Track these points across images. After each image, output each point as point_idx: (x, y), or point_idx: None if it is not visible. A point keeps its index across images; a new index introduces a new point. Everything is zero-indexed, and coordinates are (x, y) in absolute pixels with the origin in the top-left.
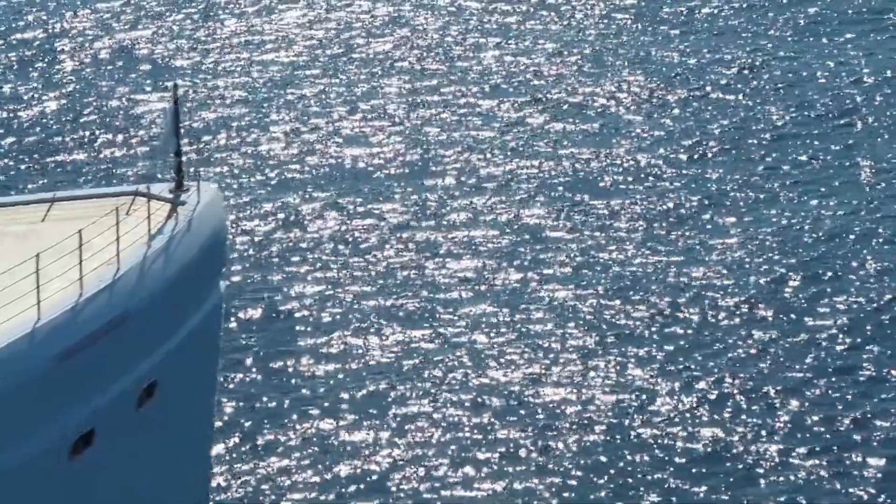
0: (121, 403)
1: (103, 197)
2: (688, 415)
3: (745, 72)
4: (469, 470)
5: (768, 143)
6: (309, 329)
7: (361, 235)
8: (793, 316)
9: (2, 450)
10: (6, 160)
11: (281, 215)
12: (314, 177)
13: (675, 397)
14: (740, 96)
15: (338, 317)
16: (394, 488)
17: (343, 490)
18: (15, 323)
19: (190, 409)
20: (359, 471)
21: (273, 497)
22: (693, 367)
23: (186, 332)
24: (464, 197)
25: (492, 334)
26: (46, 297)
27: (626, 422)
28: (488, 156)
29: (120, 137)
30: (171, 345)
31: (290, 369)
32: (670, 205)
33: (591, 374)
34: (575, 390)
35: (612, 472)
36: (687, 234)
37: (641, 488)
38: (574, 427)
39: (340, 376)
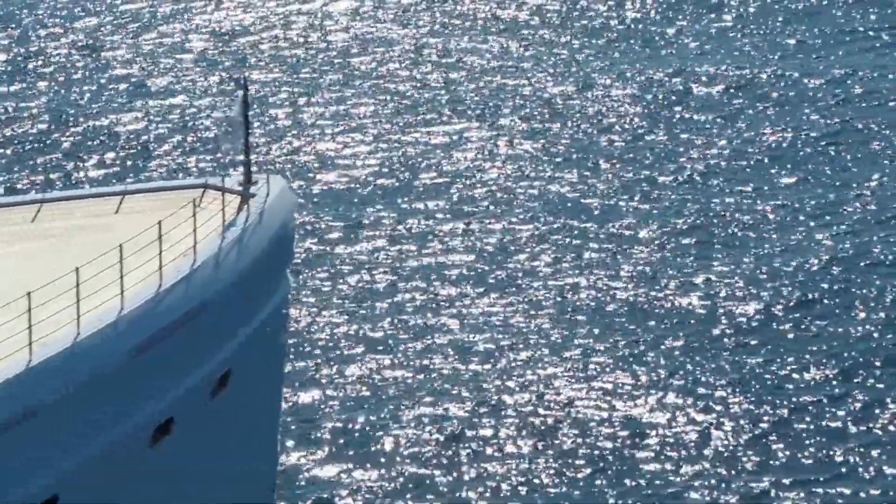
0: (197, 392)
1: (173, 190)
2: (710, 423)
3: (764, 87)
4: (521, 474)
5: (775, 159)
6: (361, 325)
7: (416, 231)
8: (802, 326)
9: (87, 437)
10: (77, 153)
11: (342, 208)
12: (376, 173)
13: (698, 402)
14: (767, 110)
15: (389, 311)
16: (440, 487)
17: (385, 484)
18: (99, 313)
19: (260, 398)
20: (403, 468)
21: (322, 489)
22: (714, 373)
23: (258, 322)
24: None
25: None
26: (128, 287)
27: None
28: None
29: (187, 130)
30: (243, 335)
31: (340, 363)
32: (687, 212)
33: (626, 384)
34: (609, 398)
35: (645, 478)
36: (702, 245)
37: (669, 491)
38: (613, 435)
39: (389, 372)
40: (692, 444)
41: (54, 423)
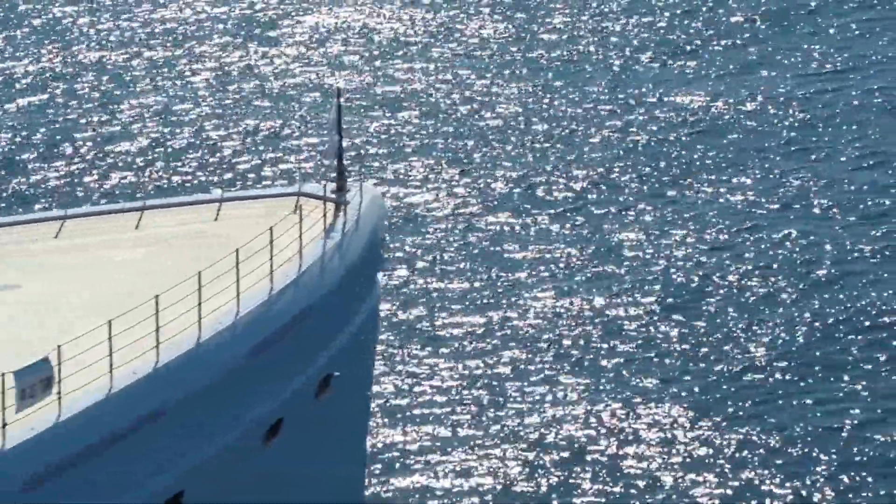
0: (304, 394)
1: (268, 198)
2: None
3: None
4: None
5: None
6: (449, 328)
7: (505, 235)
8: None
9: (209, 436)
10: (173, 162)
11: (431, 215)
12: (469, 180)
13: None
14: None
15: (475, 315)
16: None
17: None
18: (217, 315)
19: (355, 400)
20: (484, 469)
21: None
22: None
23: (355, 326)
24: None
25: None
26: (242, 291)
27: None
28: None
29: (279, 139)
30: (342, 339)
31: (420, 366)
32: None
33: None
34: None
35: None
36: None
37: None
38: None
39: (469, 374)
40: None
41: (180, 421)
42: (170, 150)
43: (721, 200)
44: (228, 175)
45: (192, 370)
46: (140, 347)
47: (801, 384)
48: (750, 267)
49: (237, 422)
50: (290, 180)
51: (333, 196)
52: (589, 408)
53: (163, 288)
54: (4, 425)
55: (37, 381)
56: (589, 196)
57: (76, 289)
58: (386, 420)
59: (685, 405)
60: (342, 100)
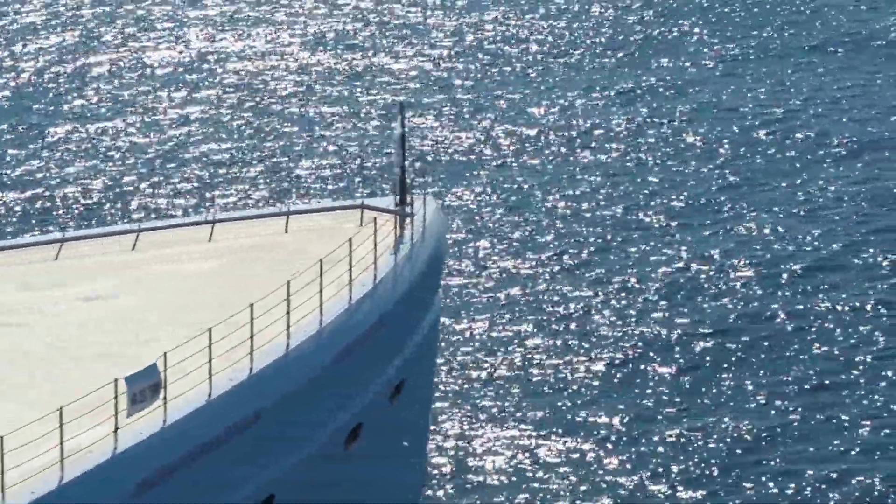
0: (379, 399)
1: (333, 210)
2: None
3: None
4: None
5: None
6: (503, 340)
7: (562, 246)
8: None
9: (298, 440)
10: (242, 174)
11: (486, 229)
12: (525, 193)
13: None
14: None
15: (530, 327)
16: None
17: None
18: (303, 324)
19: (420, 405)
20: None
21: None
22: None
23: (421, 335)
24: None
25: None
26: (324, 300)
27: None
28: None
29: (341, 153)
30: (411, 346)
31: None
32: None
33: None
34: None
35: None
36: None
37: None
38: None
39: (526, 382)
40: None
41: (273, 427)
42: (235, 164)
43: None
44: (292, 188)
45: (283, 377)
46: (235, 355)
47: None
48: (799, 271)
49: (323, 427)
50: (350, 193)
51: (397, 209)
52: (646, 418)
53: (246, 298)
54: (117, 429)
55: (146, 386)
56: (653, 209)
57: (163, 299)
58: (442, 425)
59: (756, 417)
60: (406, 115)
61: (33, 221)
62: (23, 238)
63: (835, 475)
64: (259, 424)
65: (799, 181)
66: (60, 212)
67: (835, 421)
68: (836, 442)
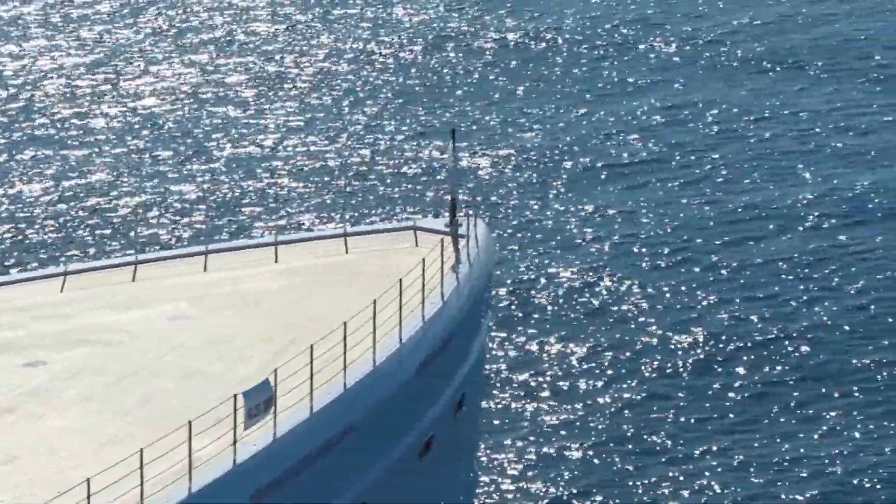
0: (447, 412)
1: (387, 232)
2: None
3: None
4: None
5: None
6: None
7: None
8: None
9: (383, 450)
10: (300, 197)
11: (529, 251)
12: (574, 210)
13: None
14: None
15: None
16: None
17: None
18: (385, 341)
19: (473, 417)
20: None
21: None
22: None
23: (476, 350)
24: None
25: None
26: (402, 318)
27: None
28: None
29: (390, 174)
30: (469, 362)
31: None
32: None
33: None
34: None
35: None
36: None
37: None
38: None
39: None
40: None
41: (364, 438)
42: (293, 186)
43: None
44: (344, 209)
45: (371, 392)
46: (328, 371)
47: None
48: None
49: (404, 439)
50: (388, 213)
51: (445, 230)
52: (695, 429)
53: (320, 316)
54: (235, 442)
55: (261, 401)
56: (703, 224)
57: (242, 318)
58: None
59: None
60: (455, 140)
61: (106, 244)
62: (98, 261)
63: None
64: (352, 436)
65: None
66: (131, 234)
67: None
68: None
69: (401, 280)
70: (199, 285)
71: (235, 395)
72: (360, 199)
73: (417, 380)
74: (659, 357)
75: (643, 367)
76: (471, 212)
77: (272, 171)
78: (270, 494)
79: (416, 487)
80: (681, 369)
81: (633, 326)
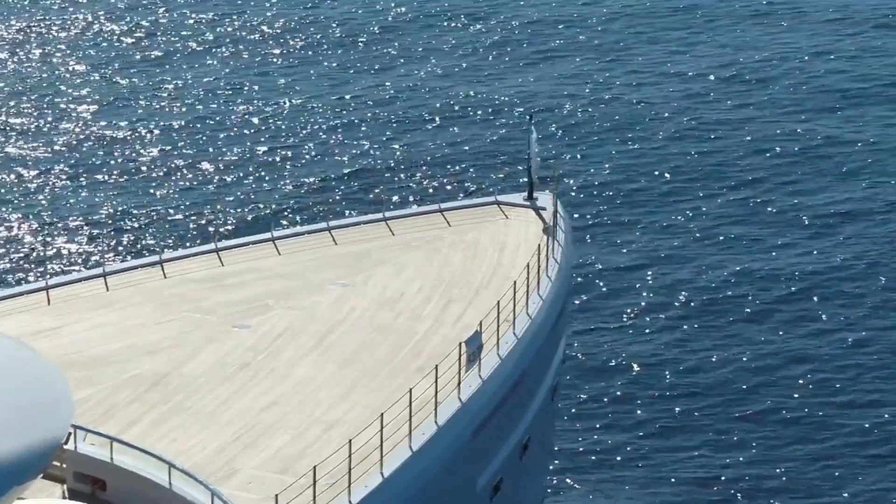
0: (545, 406)
1: (474, 207)
2: None
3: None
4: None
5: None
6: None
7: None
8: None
9: (497, 444)
10: (385, 178)
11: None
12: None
13: None
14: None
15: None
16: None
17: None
18: (526, 307)
19: (553, 411)
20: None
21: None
22: None
23: (562, 333)
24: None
25: None
26: (530, 286)
27: None
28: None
29: (473, 154)
30: (562, 346)
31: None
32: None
33: None
34: None
35: None
36: None
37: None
38: None
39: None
40: None
41: (529, 381)
42: (392, 164)
43: None
44: (430, 186)
45: (536, 339)
46: (505, 326)
47: None
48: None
49: (513, 433)
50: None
51: (527, 203)
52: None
53: (458, 286)
54: (460, 384)
55: (475, 348)
56: (774, 214)
57: (401, 285)
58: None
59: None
60: (534, 124)
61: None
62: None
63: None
64: (527, 380)
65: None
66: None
67: None
68: None
69: (538, 255)
70: (351, 255)
71: (460, 343)
72: (451, 176)
73: (547, 344)
74: (749, 351)
75: (733, 367)
76: (548, 189)
77: (365, 154)
78: (482, 432)
79: (517, 484)
80: (751, 369)
81: (714, 314)
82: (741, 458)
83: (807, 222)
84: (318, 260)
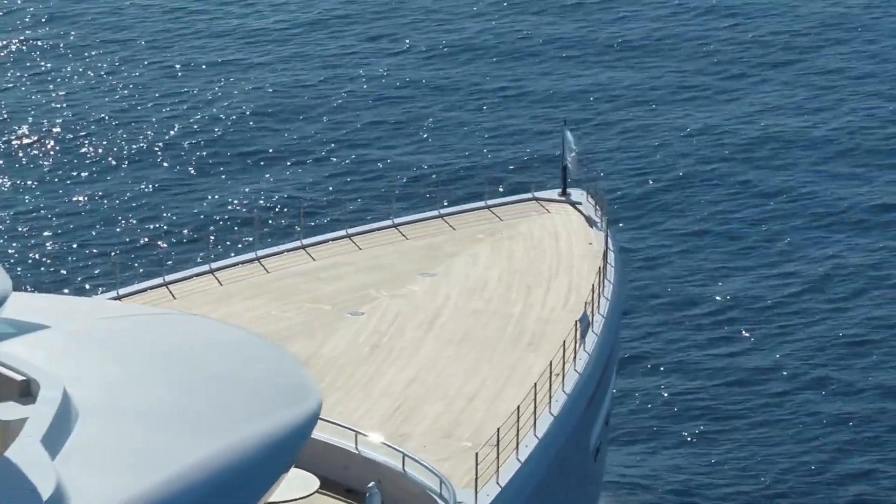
0: (609, 379)
1: (513, 203)
2: None
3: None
4: None
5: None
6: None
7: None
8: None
9: (597, 412)
10: (443, 178)
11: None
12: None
13: None
14: None
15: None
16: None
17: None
18: (597, 299)
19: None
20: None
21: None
22: None
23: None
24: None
25: None
26: (595, 278)
27: None
28: None
29: (507, 153)
30: (617, 340)
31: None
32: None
33: None
34: None
35: None
36: None
37: None
38: None
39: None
40: None
41: (599, 386)
42: (423, 166)
43: None
44: (471, 185)
45: (611, 326)
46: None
47: None
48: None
49: (590, 437)
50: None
51: (562, 199)
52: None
53: (538, 267)
54: (575, 360)
55: (585, 326)
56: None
57: (484, 271)
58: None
59: None
60: (567, 122)
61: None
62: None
63: None
64: (612, 365)
65: None
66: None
67: None
68: None
69: (595, 242)
70: (424, 248)
71: (576, 321)
72: (488, 174)
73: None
74: (801, 352)
75: (783, 367)
76: (588, 188)
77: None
78: (593, 400)
79: (587, 485)
80: (809, 377)
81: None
82: (776, 464)
83: (856, 218)
84: (397, 254)
